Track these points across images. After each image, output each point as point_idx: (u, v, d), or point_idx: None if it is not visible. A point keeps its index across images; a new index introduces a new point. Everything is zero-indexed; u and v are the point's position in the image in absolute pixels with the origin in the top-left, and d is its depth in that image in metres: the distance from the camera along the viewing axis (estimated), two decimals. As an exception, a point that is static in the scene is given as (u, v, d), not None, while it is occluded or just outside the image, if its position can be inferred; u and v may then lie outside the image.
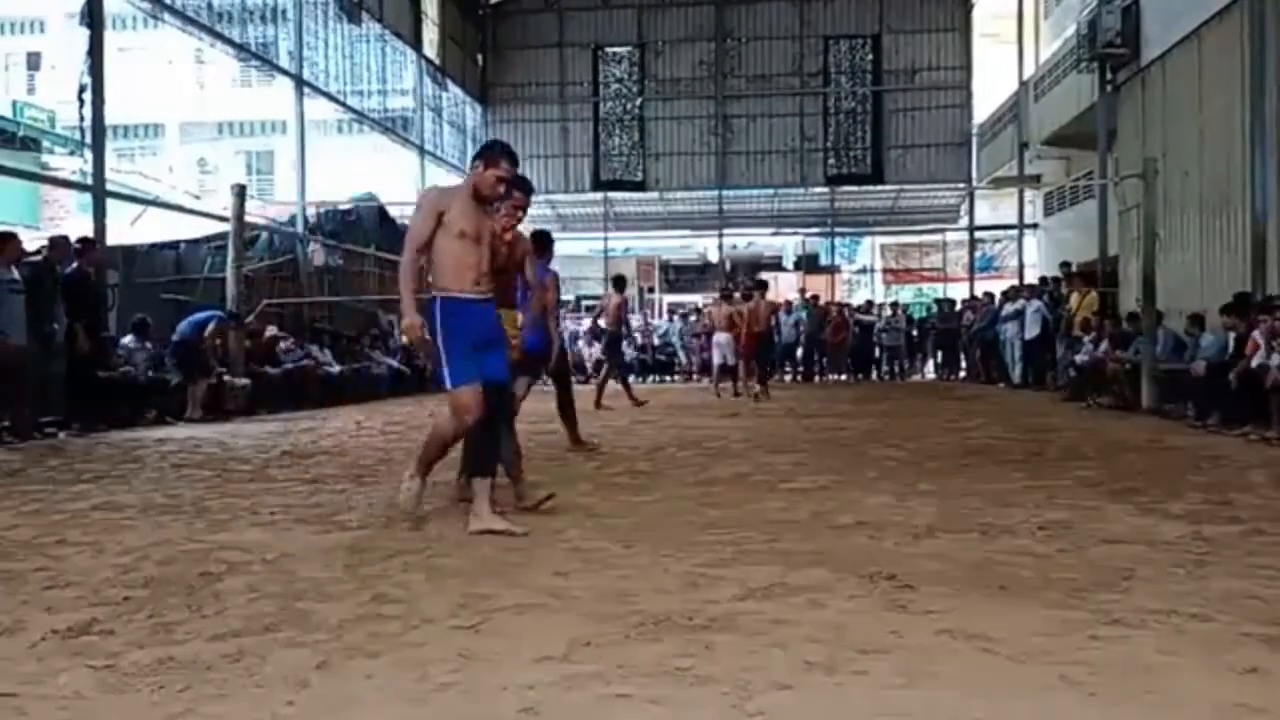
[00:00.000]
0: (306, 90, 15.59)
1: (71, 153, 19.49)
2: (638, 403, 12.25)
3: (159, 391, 10.40)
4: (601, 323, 13.09)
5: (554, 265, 6.66)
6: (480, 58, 24.53)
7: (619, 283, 13.13)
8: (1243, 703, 2.19)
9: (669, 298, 27.46)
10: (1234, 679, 2.35)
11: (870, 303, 22.33)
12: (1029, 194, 22.52)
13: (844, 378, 20.26)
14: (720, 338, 14.87)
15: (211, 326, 10.71)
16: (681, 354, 21.45)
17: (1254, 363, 8.13)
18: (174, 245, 13.29)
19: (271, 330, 12.95)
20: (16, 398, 8.43)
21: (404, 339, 4.05)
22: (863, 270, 27.52)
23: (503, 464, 4.67)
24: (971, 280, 23.17)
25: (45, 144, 21.92)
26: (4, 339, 8.11)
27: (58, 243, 9.40)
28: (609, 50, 24.53)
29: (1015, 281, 20.14)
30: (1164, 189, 11.99)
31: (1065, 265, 16.81)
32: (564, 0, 24.30)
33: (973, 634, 2.68)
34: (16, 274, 8.34)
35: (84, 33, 10.50)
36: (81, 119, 10.60)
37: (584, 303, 24.48)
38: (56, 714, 2.22)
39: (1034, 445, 7.51)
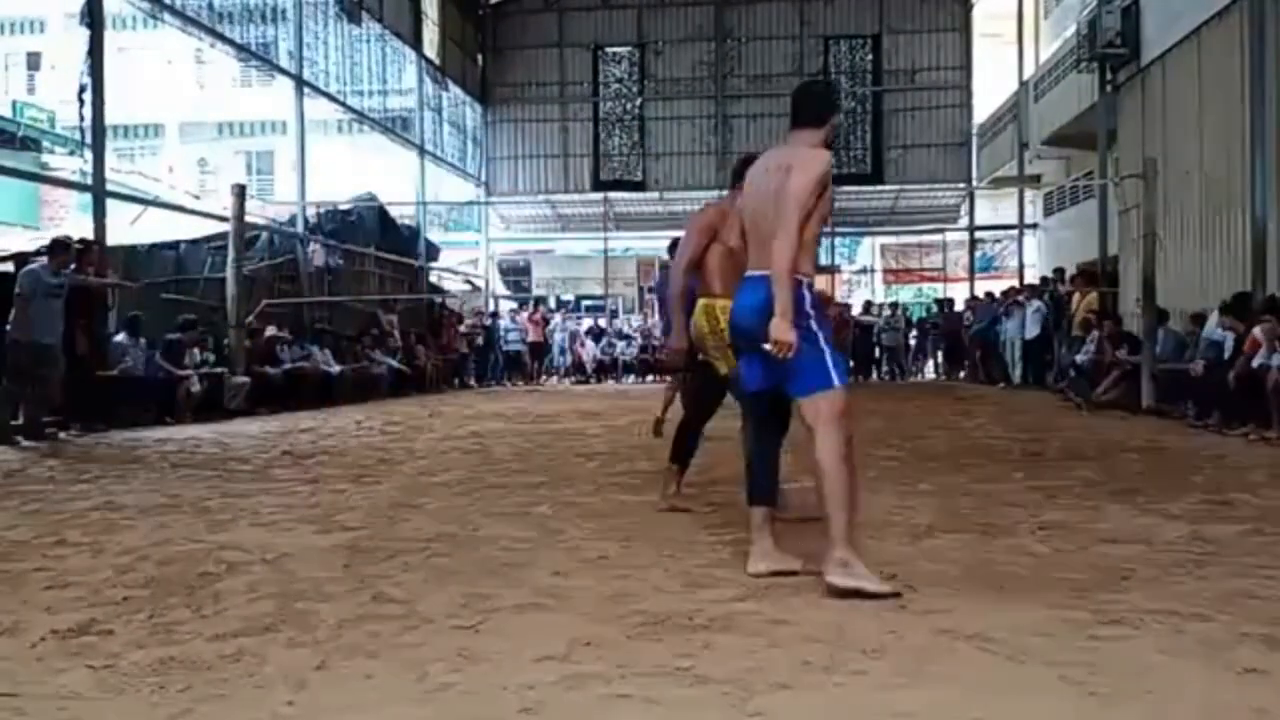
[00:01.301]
0: (306, 90, 15.58)
1: (71, 153, 19.46)
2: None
3: (159, 391, 10.40)
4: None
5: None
6: (480, 58, 24.50)
7: None
8: (1243, 703, 2.19)
9: (669, 298, 27.39)
10: (1234, 679, 2.35)
11: (870, 303, 22.32)
12: (1029, 194, 22.49)
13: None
14: None
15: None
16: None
17: (1255, 362, 8.12)
18: (174, 245, 13.26)
19: (271, 330, 12.95)
20: (32, 398, 8.48)
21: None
22: (863, 270, 27.49)
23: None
24: (971, 280, 23.12)
25: (45, 144, 21.90)
26: (28, 337, 8.17)
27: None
28: (609, 50, 24.50)
29: (1015, 282, 20.13)
30: (1164, 189, 11.98)
31: (1059, 271, 16.81)
32: (564, 0, 24.30)
33: (972, 634, 2.68)
34: (63, 279, 8.50)
35: (84, 33, 10.48)
36: (81, 119, 10.58)
37: (584, 303, 24.52)
38: (56, 714, 2.22)
39: (1034, 445, 7.51)
